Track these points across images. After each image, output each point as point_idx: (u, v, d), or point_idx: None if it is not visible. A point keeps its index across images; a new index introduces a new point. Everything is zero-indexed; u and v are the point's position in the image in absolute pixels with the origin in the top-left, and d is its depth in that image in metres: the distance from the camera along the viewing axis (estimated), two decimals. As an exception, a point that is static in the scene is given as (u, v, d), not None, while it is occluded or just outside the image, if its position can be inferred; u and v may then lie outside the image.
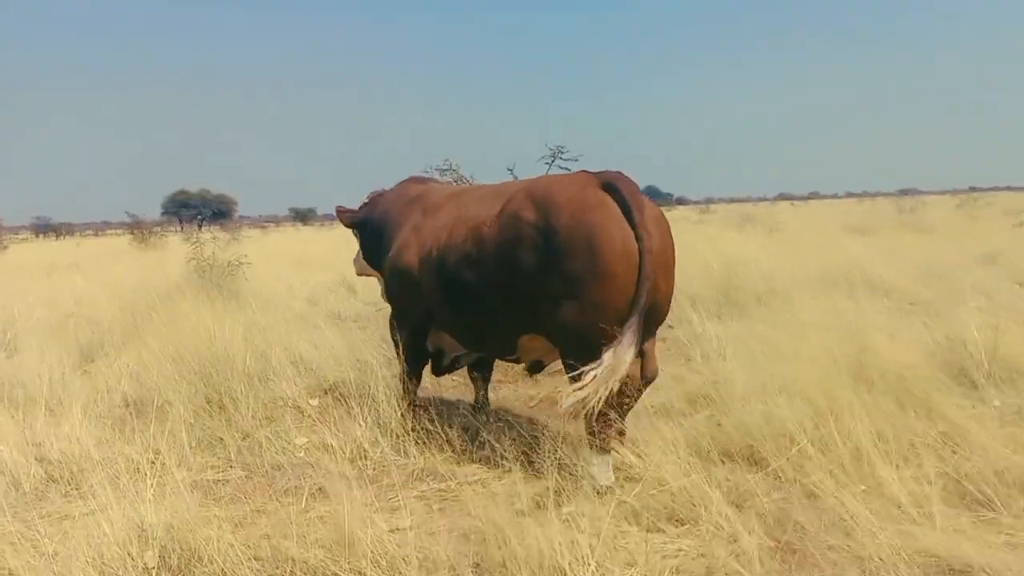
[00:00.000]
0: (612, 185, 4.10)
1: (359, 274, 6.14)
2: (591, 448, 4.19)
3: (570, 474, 4.26)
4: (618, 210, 4.01)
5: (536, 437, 5.04)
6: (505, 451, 4.61)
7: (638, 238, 3.93)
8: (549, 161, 7.78)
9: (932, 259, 11.79)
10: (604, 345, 3.86)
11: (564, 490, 4.18)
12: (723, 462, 4.38)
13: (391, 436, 4.91)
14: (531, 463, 4.55)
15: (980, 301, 8.13)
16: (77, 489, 4.49)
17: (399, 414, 4.98)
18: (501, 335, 4.63)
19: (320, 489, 4.41)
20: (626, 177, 4.18)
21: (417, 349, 5.26)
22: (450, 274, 4.65)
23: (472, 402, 5.78)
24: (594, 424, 4.11)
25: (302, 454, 4.99)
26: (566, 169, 7.93)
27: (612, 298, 3.94)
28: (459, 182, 8.13)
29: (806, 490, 3.98)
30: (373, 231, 5.66)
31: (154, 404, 5.55)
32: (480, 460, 4.73)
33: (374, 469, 4.68)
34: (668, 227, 4.23)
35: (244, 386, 5.72)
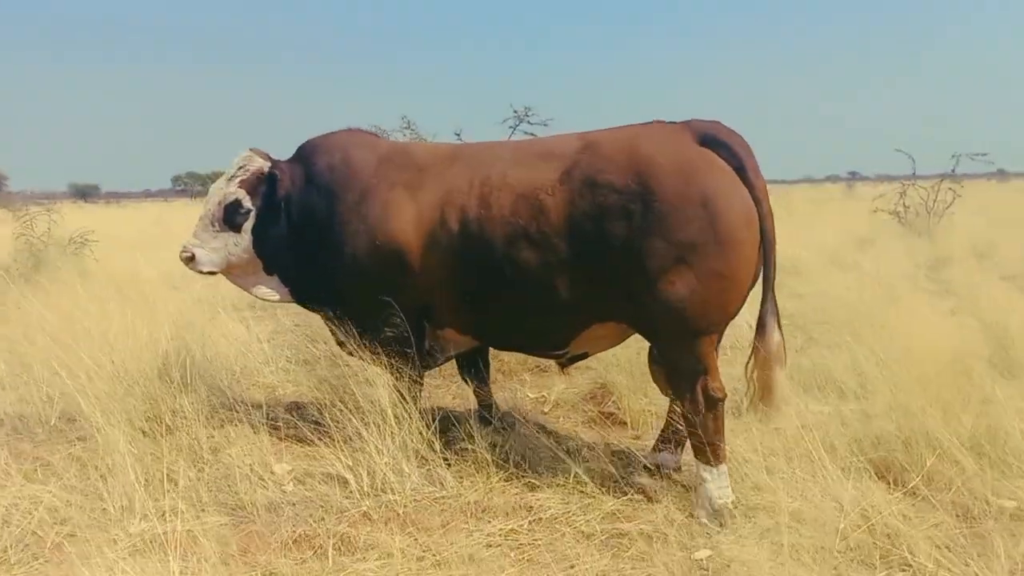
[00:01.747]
0: (716, 139, 3.39)
1: (230, 272, 4.38)
2: (704, 460, 3.42)
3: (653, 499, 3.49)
4: (730, 168, 3.32)
5: (586, 449, 4.18)
6: (567, 471, 3.76)
7: (756, 200, 3.31)
8: (513, 125, 6.75)
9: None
10: (716, 327, 3.39)
11: (674, 520, 3.35)
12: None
13: (415, 459, 3.82)
14: (608, 484, 3.67)
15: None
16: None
17: (418, 430, 3.89)
18: (559, 326, 3.70)
19: (343, 538, 3.30)
20: (729, 129, 3.42)
21: (406, 349, 4.10)
22: (485, 255, 3.64)
23: (477, 408, 4.76)
24: (713, 429, 3.38)
25: (290, 487, 3.79)
26: (531, 135, 6.93)
27: (737, 268, 3.30)
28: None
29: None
30: (302, 203, 4.19)
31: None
32: (534, 485, 3.76)
33: (407, 506, 3.58)
34: None
35: (180, 394, 4.39)
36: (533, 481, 3.79)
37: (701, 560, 3.09)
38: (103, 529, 3.32)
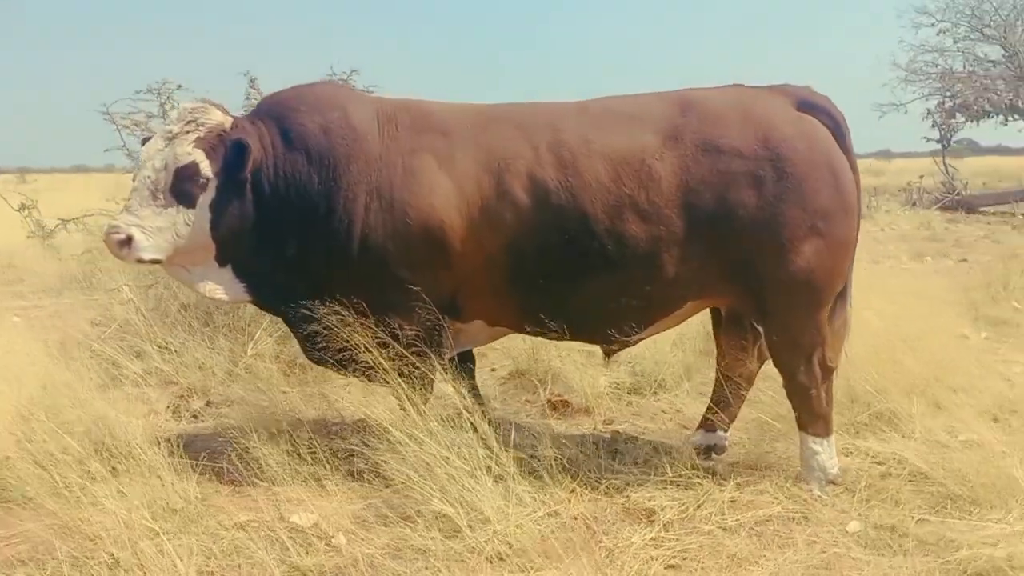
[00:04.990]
0: (815, 104, 3.34)
1: (173, 261, 3.28)
2: (815, 432, 3.33)
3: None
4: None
5: (603, 442, 3.86)
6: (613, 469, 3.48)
7: (853, 168, 3.31)
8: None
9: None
10: (833, 296, 3.32)
11: (794, 497, 3.23)
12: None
13: (487, 475, 3.14)
14: (685, 475, 3.41)
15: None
16: None
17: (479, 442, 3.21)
18: (648, 306, 3.32)
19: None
20: (823, 95, 3.39)
21: (427, 348, 3.40)
22: (573, 230, 3.15)
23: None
24: (826, 400, 3.33)
25: (342, 539, 2.90)
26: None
27: (854, 235, 3.32)
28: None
29: None
30: (282, 173, 3.27)
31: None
32: (618, 487, 3.35)
33: (519, 535, 2.91)
34: None
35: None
36: (613, 482, 3.38)
37: (855, 534, 3.02)
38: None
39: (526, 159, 3.20)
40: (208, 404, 4.51)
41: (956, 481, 3.28)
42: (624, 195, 3.12)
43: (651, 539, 2.95)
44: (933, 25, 20.29)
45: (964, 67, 20.29)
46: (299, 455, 3.34)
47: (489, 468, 3.14)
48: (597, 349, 5.01)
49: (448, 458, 3.03)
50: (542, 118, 3.33)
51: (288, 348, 4.96)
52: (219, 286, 3.37)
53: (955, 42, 20.42)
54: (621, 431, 4.12)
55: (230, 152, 3.17)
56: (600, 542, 2.94)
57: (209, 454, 3.54)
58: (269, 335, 5.06)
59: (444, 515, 2.91)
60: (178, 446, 3.39)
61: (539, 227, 3.17)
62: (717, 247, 3.16)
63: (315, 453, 3.39)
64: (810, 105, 3.28)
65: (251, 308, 5.28)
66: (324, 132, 3.25)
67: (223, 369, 4.79)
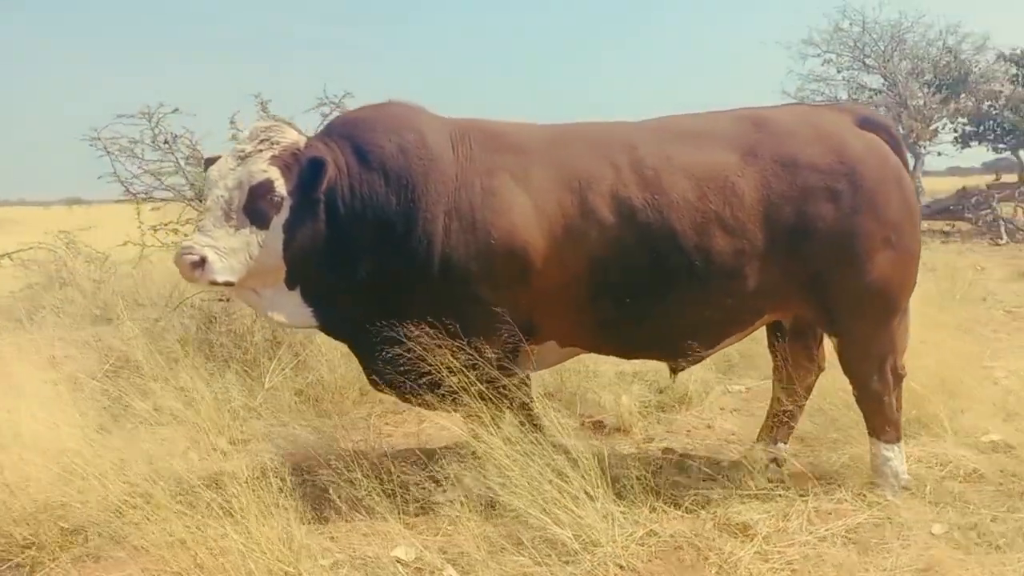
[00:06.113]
0: (875, 122, 3.52)
1: (245, 284, 3.13)
2: (888, 439, 3.43)
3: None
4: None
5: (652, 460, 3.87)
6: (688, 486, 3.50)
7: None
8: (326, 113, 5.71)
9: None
10: (904, 305, 3.46)
11: (872, 503, 3.30)
12: None
13: (585, 498, 3.08)
14: (764, 488, 3.44)
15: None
16: None
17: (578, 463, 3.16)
18: (727, 320, 3.39)
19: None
20: (884, 116, 3.55)
21: (510, 369, 3.36)
22: (661, 246, 3.18)
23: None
24: (897, 407, 3.45)
25: (452, 573, 2.79)
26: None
27: (919, 247, 3.48)
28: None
29: None
30: (359, 194, 3.18)
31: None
32: (705, 501, 3.36)
33: (628, 557, 2.88)
34: None
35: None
36: (695, 499, 3.37)
37: (942, 535, 3.11)
38: None
39: (608, 178, 3.21)
40: (231, 442, 4.28)
41: (1014, 480, 3.43)
42: (710, 211, 3.17)
43: (755, 553, 2.96)
44: (819, 56, 21.19)
45: (848, 95, 21.30)
46: (379, 487, 3.19)
47: (586, 491, 3.10)
48: (625, 367, 5.07)
49: (551, 480, 2.96)
50: (614, 137, 3.36)
51: (304, 378, 4.78)
52: (286, 310, 3.25)
53: (839, 72, 21.37)
54: (673, 448, 4.12)
55: (306, 170, 3.06)
56: (707, 559, 2.93)
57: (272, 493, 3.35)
58: (282, 367, 4.85)
59: (556, 540, 2.84)
60: (236, 484, 3.20)
61: (625, 244, 3.18)
62: (796, 259, 3.24)
63: (386, 484, 3.26)
64: (871, 123, 3.43)
65: (259, 338, 5.08)
66: (402, 152, 3.18)
67: (239, 403, 4.56)
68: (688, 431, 4.56)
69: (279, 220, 3.07)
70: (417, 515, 3.15)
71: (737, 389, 5.36)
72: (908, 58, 20.38)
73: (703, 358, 3.59)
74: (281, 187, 3.03)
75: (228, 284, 3.04)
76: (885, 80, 20.47)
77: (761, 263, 3.23)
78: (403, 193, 3.16)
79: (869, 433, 3.45)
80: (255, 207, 3.01)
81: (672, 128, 3.43)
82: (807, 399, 3.81)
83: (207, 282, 2.99)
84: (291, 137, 3.09)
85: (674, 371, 3.72)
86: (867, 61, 20.90)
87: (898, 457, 3.42)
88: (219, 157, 3.10)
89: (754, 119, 3.36)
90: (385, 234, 3.16)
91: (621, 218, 3.17)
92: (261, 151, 3.01)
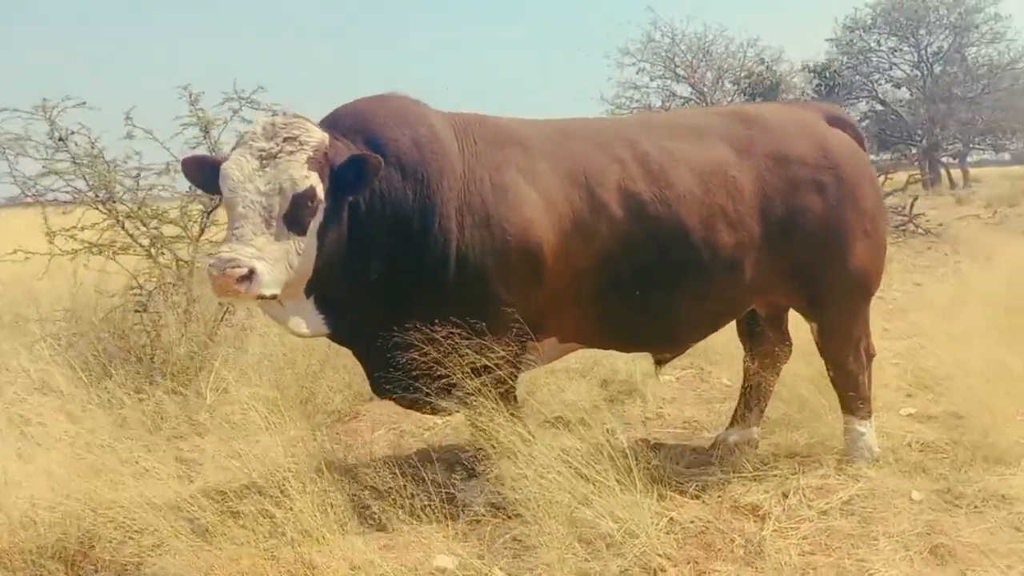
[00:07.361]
0: (843, 120, 3.77)
1: (270, 294, 2.77)
2: (861, 415, 3.66)
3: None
4: None
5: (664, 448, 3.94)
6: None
7: None
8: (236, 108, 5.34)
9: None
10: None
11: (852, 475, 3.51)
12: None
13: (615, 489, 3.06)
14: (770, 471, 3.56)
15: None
16: None
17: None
18: (722, 311, 3.52)
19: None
20: (848, 114, 3.85)
21: (515, 370, 3.31)
22: (669, 239, 3.25)
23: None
24: (868, 385, 3.69)
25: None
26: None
27: (886, 237, 3.78)
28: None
29: None
30: (376, 192, 3.00)
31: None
32: (707, 487, 3.45)
33: (671, 552, 2.89)
34: None
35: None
36: (696, 484, 3.46)
37: (923, 500, 3.35)
38: None
39: (615, 172, 3.22)
40: (179, 460, 3.91)
41: (958, 447, 3.75)
42: (715, 205, 3.27)
43: (774, 531, 3.08)
44: (634, 65, 22.46)
45: (662, 103, 22.62)
46: (393, 494, 3.04)
47: (617, 479, 3.08)
48: (557, 364, 5.11)
49: (582, 473, 2.94)
50: (615, 131, 3.40)
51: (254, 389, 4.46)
52: (304, 319, 3.04)
53: (652, 80, 22.72)
54: (647, 438, 4.19)
55: (349, 170, 2.85)
56: (733, 540, 3.01)
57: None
58: (221, 378, 4.49)
59: (594, 535, 2.82)
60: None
61: (634, 239, 3.21)
62: (786, 250, 3.40)
63: (394, 491, 3.11)
64: (840, 120, 3.66)
65: (183, 350, 4.71)
66: (416, 146, 3.05)
67: (179, 421, 4.18)
68: (644, 422, 4.65)
69: (314, 226, 2.86)
70: (441, 521, 3.01)
71: (667, 379, 5.55)
72: (713, 68, 21.90)
73: (684, 350, 3.71)
74: (321, 192, 2.82)
75: (273, 297, 2.78)
76: (693, 89, 21.86)
77: (757, 255, 3.37)
78: (419, 188, 3.03)
79: (843, 411, 3.67)
80: (296, 215, 2.78)
81: (666, 123, 3.52)
82: (775, 383, 4.00)
83: (253, 297, 2.70)
84: (318, 135, 2.85)
85: (659, 363, 3.79)
86: (678, 71, 22.24)
87: (870, 432, 3.66)
88: (209, 156, 2.83)
89: (743, 116, 3.51)
90: (401, 232, 3.02)
91: (630, 212, 3.20)
92: (293, 152, 2.77)
